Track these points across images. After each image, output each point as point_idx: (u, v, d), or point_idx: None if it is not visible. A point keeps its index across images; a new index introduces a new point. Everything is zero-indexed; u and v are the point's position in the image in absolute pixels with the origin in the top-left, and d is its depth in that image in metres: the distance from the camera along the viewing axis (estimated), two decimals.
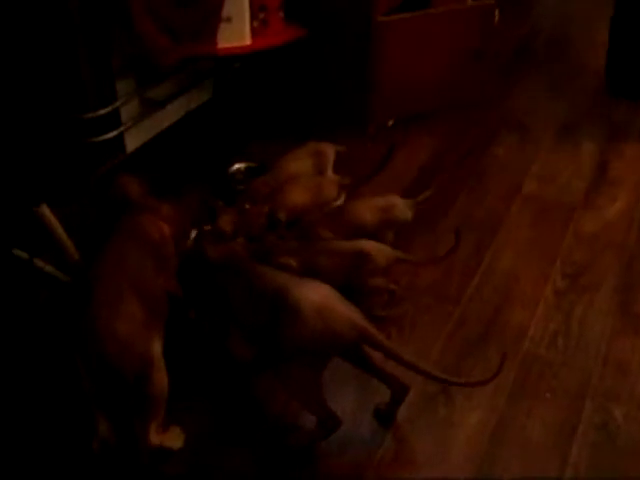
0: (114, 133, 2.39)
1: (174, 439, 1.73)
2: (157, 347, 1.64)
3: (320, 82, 2.93)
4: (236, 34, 2.40)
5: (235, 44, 2.33)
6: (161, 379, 1.63)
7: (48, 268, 1.98)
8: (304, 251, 2.04)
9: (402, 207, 2.20)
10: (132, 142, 2.55)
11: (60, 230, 1.93)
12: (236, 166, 2.60)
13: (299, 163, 2.39)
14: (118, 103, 2.39)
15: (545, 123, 3.02)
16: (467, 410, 1.82)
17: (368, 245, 2.04)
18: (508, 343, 2.01)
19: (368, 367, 1.77)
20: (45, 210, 1.91)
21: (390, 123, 2.86)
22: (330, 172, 2.41)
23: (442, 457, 1.72)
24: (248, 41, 2.35)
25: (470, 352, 1.98)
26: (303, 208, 2.25)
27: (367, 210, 2.17)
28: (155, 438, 1.66)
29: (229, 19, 2.37)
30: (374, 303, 2.08)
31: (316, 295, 1.64)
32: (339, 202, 2.35)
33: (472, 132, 2.94)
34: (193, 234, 2.12)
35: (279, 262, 1.96)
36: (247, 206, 2.21)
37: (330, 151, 2.43)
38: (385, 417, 1.80)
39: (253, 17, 2.44)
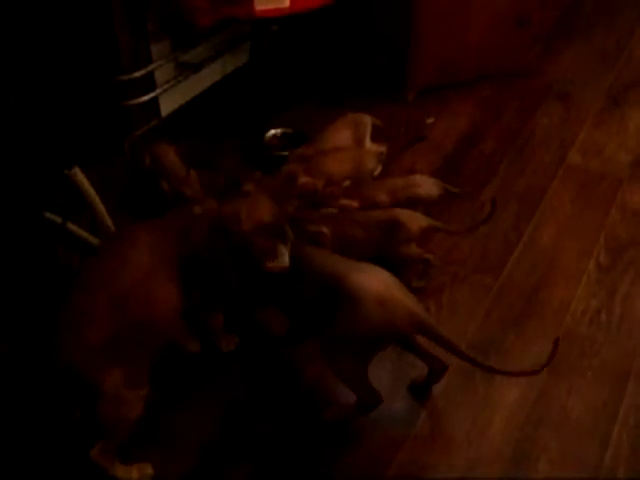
0: (148, 96, 2.40)
1: (129, 474, 1.56)
2: (114, 378, 1.45)
3: (359, 46, 2.86)
4: None
5: (273, 6, 2.28)
6: (111, 411, 1.47)
7: (80, 232, 1.96)
8: (336, 220, 2.00)
9: (427, 186, 2.15)
10: (167, 106, 2.55)
11: (93, 193, 1.91)
12: (272, 132, 2.56)
13: (339, 135, 2.36)
14: (153, 66, 2.39)
15: (591, 93, 2.92)
16: (505, 387, 1.77)
17: (401, 213, 2.00)
18: (548, 319, 1.95)
19: (412, 348, 1.73)
20: (78, 173, 1.89)
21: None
22: (368, 142, 2.38)
23: (478, 436, 1.68)
24: (286, 3, 2.30)
25: (510, 328, 1.93)
26: (344, 179, 2.21)
27: (381, 191, 2.13)
28: (104, 460, 1.53)
29: None
30: (411, 275, 2.03)
31: (376, 283, 1.58)
32: (377, 172, 2.32)
33: (515, 101, 2.86)
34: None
35: (311, 230, 1.92)
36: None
37: (367, 121, 2.40)
38: (420, 392, 1.77)
39: None
